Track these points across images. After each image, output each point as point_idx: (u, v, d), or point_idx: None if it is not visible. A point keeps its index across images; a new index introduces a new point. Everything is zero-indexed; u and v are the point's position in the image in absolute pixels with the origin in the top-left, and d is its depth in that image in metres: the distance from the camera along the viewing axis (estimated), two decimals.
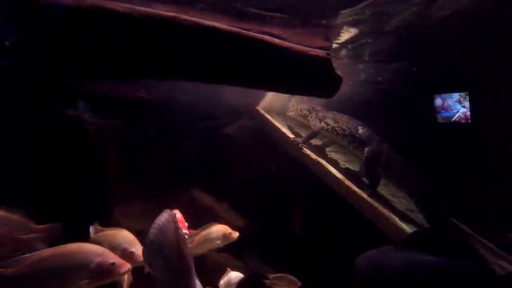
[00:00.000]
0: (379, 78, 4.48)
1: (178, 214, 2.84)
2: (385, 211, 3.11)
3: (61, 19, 1.94)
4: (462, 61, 4.05)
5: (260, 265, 3.54)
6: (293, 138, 3.71)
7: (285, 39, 2.69)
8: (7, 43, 2.22)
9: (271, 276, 3.30)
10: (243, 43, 2.39)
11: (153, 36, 2.12)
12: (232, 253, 3.64)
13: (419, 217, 3.39)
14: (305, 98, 4.33)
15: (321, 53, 2.76)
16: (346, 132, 3.63)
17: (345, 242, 3.75)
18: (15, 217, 2.43)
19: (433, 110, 4.48)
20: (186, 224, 2.86)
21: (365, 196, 3.21)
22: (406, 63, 4.21)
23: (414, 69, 4.24)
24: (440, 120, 4.43)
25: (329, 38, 3.68)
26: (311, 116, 3.93)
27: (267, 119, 3.98)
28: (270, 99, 4.19)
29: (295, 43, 2.69)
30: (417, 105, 4.66)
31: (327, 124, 3.75)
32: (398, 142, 3.63)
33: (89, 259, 2.12)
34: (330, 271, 3.75)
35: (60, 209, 2.76)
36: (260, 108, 4.12)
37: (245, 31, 2.43)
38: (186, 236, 2.76)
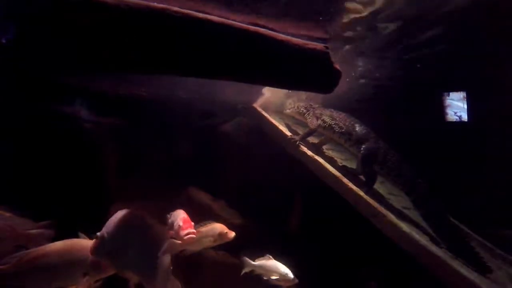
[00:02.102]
0: (377, 75, 4.46)
1: (183, 214, 2.85)
2: (382, 209, 3.11)
3: (52, 12, 1.92)
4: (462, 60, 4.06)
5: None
6: (291, 135, 3.70)
7: (281, 32, 2.62)
8: (3, 40, 2.22)
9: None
10: (237, 36, 2.32)
11: (142, 28, 2.07)
12: (230, 251, 3.64)
13: (415, 215, 3.40)
14: (302, 96, 4.33)
15: (319, 46, 2.68)
16: (343, 130, 3.62)
17: (342, 239, 3.78)
18: (10, 215, 2.44)
19: (441, 108, 4.48)
20: (193, 223, 2.86)
21: (362, 193, 3.21)
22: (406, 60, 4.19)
23: (418, 65, 4.21)
24: (449, 119, 4.44)
25: (328, 30, 3.57)
26: (308, 114, 3.92)
27: (265, 117, 3.97)
28: (268, 96, 4.18)
29: (291, 36, 2.61)
30: (417, 103, 4.67)
31: (324, 122, 3.75)
32: (397, 140, 3.64)
33: (86, 254, 2.14)
34: (327, 268, 3.77)
35: (57, 206, 2.76)
36: (257, 105, 4.12)
37: (239, 23, 2.36)
38: (194, 236, 2.76)
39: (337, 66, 2.78)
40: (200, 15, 2.20)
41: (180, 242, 2.81)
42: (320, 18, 3.31)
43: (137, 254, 1.97)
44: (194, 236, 2.70)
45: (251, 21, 3.04)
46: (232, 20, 2.36)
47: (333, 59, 2.80)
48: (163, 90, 3.84)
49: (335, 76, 2.79)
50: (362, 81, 4.61)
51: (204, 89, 3.89)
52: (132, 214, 2.03)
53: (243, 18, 3.01)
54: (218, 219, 3.50)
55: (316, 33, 3.55)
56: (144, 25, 2.06)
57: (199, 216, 3.10)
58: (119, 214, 2.03)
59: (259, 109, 4.07)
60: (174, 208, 3.10)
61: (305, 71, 2.69)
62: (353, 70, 4.40)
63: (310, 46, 2.63)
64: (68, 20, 1.94)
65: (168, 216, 2.86)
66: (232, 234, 3.10)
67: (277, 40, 2.48)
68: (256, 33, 2.40)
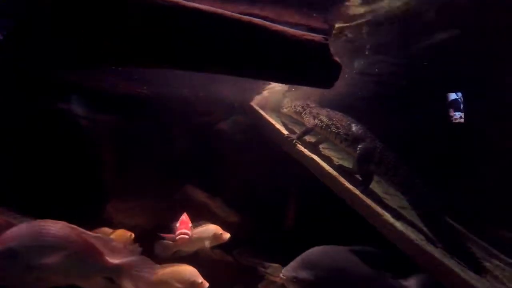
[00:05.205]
0: (376, 70, 4.41)
1: (184, 216, 2.94)
2: (378, 208, 3.11)
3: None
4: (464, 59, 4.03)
5: (250, 260, 3.54)
6: (287, 134, 3.70)
7: (276, 22, 2.43)
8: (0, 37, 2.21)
9: (267, 264, 3.32)
10: (228, 26, 2.18)
11: (127, 19, 1.98)
12: (225, 249, 3.66)
13: (411, 215, 3.40)
14: (299, 95, 4.33)
15: (317, 37, 2.50)
16: (340, 130, 3.62)
17: (338, 238, 3.77)
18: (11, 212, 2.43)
19: (441, 108, 4.45)
20: (190, 225, 2.88)
21: (358, 193, 3.21)
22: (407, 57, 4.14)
23: (425, 63, 4.15)
24: (455, 119, 4.41)
25: (328, 20, 3.42)
26: (305, 113, 3.93)
27: (262, 115, 3.97)
28: (265, 95, 4.18)
29: (288, 26, 2.44)
30: (417, 102, 4.64)
31: (321, 121, 3.75)
32: (396, 139, 3.63)
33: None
34: None
35: (53, 204, 2.75)
36: (254, 104, 4.11)
37: (230, 13, 2.21)
38: (186, 236, 2.78)
39: (337, 59, 2.58)
40: (188, 3, 2.07)
41: (173, 243, 2.84)
42: (319, 7, 3.21)
43: (64, 262, 1.91)
44: (186, 236, 2.72)
45: (244, 10, 2.91)
46: (223, 9, 2.22)
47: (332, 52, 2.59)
48: (160, 88, 3.82)
49: (335, 69, 2.58)
50: (361, 78, 4.55)
51: (203, 87, 3.88)
52: (45, 223, 1.97)
53: (235, 7, 2.88)
54: (214, 217, 3.52)
55: (315, 23, 3.41)
56: (128, 13, 1.98)
57: (196, 214, 3.12)
58: (28, 225, 1.95)
59: (256, 108, 4.06)
60: (172, 207, 3.13)
61: (302, 64, 2.50)
62: (352, 66, 4.34)
63: (307, 37, 2.44)
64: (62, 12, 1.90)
65: (175, 223, 2.91)
66: (227, 235, 3.11)
67: (271, 30, 2.31)
68: (249, 23, 2.25)
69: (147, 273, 2.18)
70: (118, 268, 2.08)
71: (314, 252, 2.84)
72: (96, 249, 2.03)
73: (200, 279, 2.68)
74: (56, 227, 1.94)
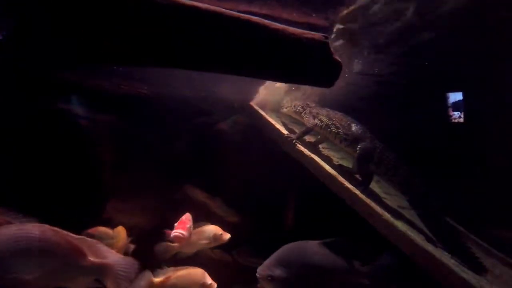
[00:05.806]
0: (376, 70, 4.40)
1: (184, 216, 2.97)
2: (378, 208, 3.10)
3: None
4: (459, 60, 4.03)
5: (250, 260, 3.54)
6: (287, 134, 3.70)
7: (276, 20, 2.41)
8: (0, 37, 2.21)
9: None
10: (228, 25, 2.16)
11: (127, 19, 1.97)
12: (225, 249, 3.66)
13: (411, 214, 3.40)
14: (299, 94, 4.33)
15: (317, 36, 2.48)
16: (340, 130, 3.62)
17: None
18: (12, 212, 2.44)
19: (445, 108, 4.45)
20: (189, 226, 2.89)
21: (358, 192, 3.20)
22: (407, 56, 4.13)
23: (426, 63, 4.14)
24: (453, 118, 4.41)
25: (328, 18, 3.41)
26: (304, 113, 3.93)
27: (261, 115, 3.96)
28: (265, 95, 4.17)
29: (287, 25, 2.41)
30: (417, 101, 4.64)
31: (321, 121, 3.75)
32: (396, 139, 3.63)
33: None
34: None
35: (54, 204, 2.76)
36: (254, 104, 4.11)
37: (229, 11, 2.20)
38: (179, 235, 2.79)
39: (337, 58, 2.56)
40: (188, 2, 2.07)
41: (173, 245, 2.85)
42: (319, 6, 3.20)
43: (48, 267, 1.88)
44: (180, 235, 2.74)
45: (243, 8, 2.91)
46: (222, 7, 2.20)
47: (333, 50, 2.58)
48: (159, 87, 3.83)
49: (335, 68, 2.56)
50: (361, 77, 4.54)
51: (203, 87, 3.88)
52: (28, 226, 1.92)
53: (234, 5, 2.86)
54: (214, 217, 3.52)
55: (315, 21, 3.40)
56: (128, 13, 1.97)
57: (195, 214, 3.13)
58: (11, 228, 1.88)
59: (256, 107, 4.06)
60: (172, 207, 3.12)
61: (302, 63, 2.48)
62: (351, 65, 4.33)
63: (307, 35, 2.42)
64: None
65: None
66: (227, 235, 3.11)
67: (271, 29, 2.29)
68: (248, 21, 2.22)
69: (132, 273, 2.18)
70: (103, 268, 2.08)
71: (287, 249, 2.87)
72: (80, 250, 2.02)
73: (209, 280, 2.77)
74: (39, 231, 1.91)
